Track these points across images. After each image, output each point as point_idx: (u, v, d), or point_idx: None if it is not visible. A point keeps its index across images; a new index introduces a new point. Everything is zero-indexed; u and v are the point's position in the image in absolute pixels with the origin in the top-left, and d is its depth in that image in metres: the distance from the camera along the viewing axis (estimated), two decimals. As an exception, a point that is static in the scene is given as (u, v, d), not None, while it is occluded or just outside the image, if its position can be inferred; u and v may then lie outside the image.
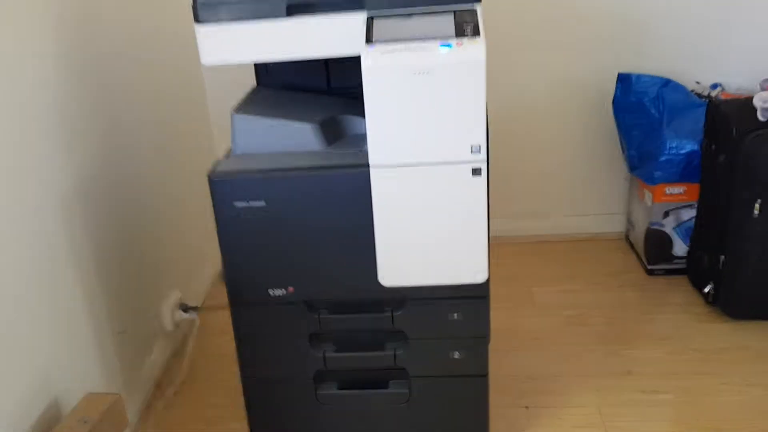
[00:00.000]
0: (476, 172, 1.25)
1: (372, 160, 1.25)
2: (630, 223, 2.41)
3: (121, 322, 1.66)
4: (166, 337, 1.90)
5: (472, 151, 1.24)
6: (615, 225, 2.48)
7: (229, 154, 1.39)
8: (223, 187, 1.29)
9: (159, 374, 1.84)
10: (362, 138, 1.30)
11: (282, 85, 1.55)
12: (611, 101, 2.23)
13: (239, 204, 1.30)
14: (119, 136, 1.70)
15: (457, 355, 1.41)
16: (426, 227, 1.30)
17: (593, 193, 2.46)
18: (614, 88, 2.21)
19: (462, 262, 1.32)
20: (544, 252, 2.43)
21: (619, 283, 2.22)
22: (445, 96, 1.20)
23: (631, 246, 2.41)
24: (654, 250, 2.22)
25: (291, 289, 1.37)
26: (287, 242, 1.33)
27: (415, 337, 1.41)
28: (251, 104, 1.44)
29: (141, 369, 1.76)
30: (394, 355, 1.42)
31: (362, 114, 1.23)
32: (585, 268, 2.31)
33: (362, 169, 1.26)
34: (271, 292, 1.37)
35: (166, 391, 1.80)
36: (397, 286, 1.35)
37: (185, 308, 1.96)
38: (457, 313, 1.38)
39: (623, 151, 2.29)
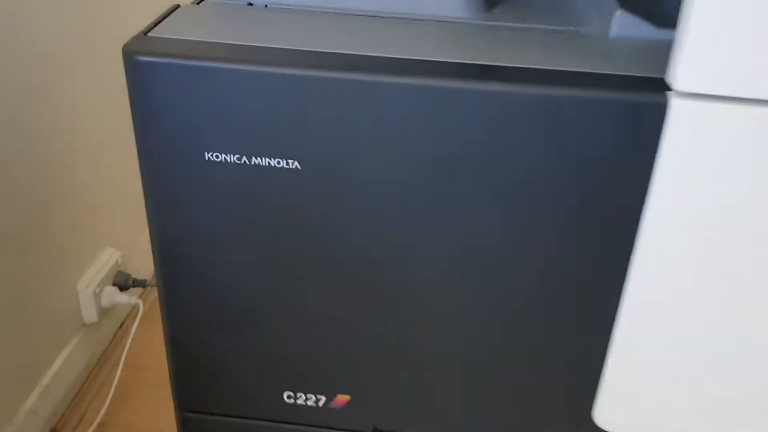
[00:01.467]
0: None
1: (682, 74, 0.34)
2: None
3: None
4: (80, 339, 1.04)
5: None
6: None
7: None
8: (163, 90, 0.39)
9: (60, 409, 1.01)
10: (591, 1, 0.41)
11: None
12: None
13: (216, 157, 0.40)
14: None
15: None
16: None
17: None
18: None
19: None
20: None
21: None
22: None
23: None
24: None
25: (341, 398, 0.50)
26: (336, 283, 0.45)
27: None
28: None
29: (20, 407, 0.91)
30: None
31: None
32: None
33: (633, 95, 0.36)
34: (288, 398, 0.50)
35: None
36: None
37: (125, 282, 1.10)
38: None
39: None
